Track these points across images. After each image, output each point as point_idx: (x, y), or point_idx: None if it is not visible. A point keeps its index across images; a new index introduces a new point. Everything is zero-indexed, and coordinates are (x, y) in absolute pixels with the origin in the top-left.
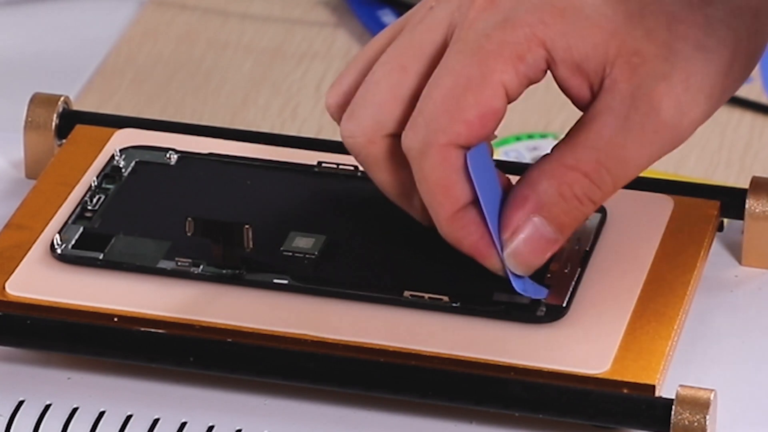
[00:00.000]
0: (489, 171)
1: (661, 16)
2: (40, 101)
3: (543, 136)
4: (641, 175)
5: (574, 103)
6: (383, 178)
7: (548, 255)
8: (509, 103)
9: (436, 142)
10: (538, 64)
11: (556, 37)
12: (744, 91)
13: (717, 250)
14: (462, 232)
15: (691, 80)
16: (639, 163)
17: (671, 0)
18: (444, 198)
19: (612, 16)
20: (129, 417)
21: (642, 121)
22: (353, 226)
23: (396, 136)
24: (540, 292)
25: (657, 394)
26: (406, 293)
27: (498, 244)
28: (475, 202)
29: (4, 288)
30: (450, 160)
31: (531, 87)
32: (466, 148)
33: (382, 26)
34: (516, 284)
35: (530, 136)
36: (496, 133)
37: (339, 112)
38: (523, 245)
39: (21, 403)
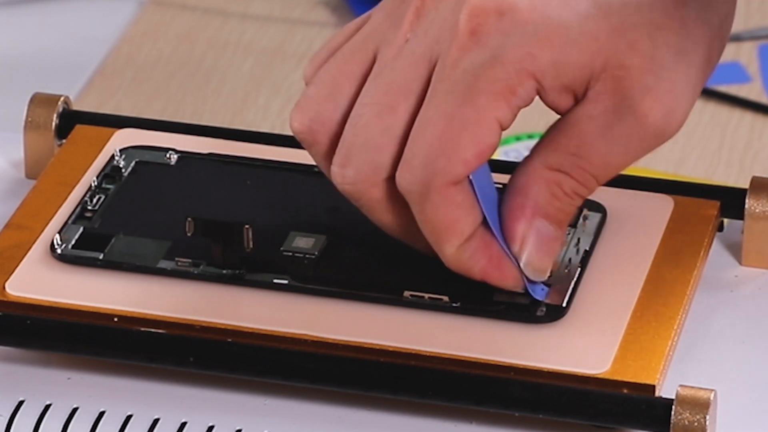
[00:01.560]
0: (490, 187)
1: (643, 27)
2: (40, 101)
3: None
4: (641, 175)
5: (555, 111)
6: (386, 219)
7: (556, 254)
8: (502, 131)
9: (435, 184)
10: (529, 95)
11: (545, 67)
12: (744, 91)
13: (717, 250)
14: (471, 261)
15: (676, 89)
16: (624, 164)
17: (650, 7)
18: (450, 235)
19: (596, 33)
20: (129, 417)
21: (628, 132)
22: (353, 226)
23: (394, 177)
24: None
25: (657, 394)
26: (406, 293)
27: (511, 256)
28: (476, 228)
29: (4, 288)
30: (450, 198)
31: None
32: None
33: None
34: (533, 291)
35: (530, 136)
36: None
37: (311, 136)
38: (535, 251)
39: (21, 403)
